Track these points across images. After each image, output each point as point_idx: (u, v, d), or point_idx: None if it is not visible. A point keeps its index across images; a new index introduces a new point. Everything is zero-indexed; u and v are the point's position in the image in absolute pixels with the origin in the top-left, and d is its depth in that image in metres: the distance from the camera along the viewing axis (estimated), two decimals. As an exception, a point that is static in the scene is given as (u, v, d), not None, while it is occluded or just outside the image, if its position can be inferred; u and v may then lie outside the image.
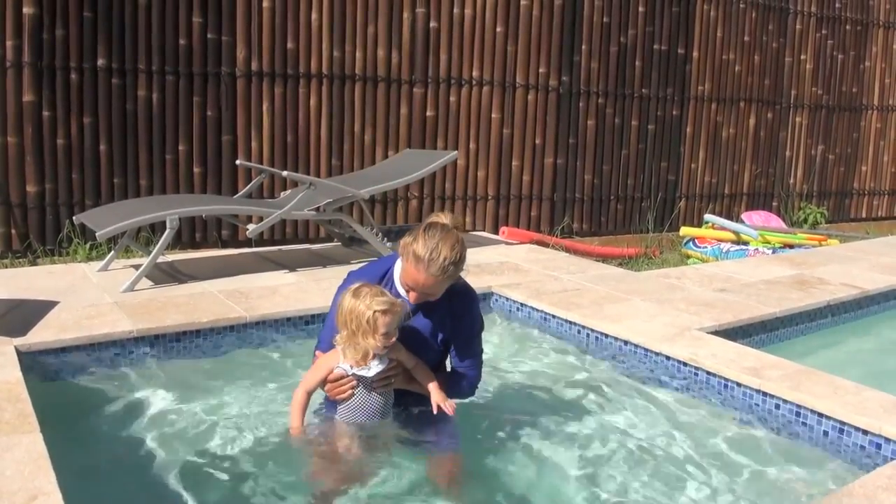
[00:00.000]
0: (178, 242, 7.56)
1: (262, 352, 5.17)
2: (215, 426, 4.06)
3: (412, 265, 3.49)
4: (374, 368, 3.52)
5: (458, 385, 3.83)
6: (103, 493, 3.46)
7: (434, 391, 3.63)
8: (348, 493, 3.41)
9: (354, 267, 3.95)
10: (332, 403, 3.72)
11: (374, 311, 3.40)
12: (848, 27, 11.74)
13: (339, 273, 6.32)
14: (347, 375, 3.54)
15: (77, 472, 3.33)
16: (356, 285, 3.53)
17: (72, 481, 3.01)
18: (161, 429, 4.03)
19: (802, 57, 11.40)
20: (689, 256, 9.30)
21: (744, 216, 10.68)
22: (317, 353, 3.79)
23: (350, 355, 3.52)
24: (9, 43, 6.96)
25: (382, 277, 3.78)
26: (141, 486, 3.54)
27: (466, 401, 4.25)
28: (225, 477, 3.58)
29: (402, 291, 3.72)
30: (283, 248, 7.84)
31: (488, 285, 6.26)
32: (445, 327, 3.75)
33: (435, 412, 3.60)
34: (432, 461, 3.70)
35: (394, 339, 3.49)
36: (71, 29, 7.16)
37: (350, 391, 3.57)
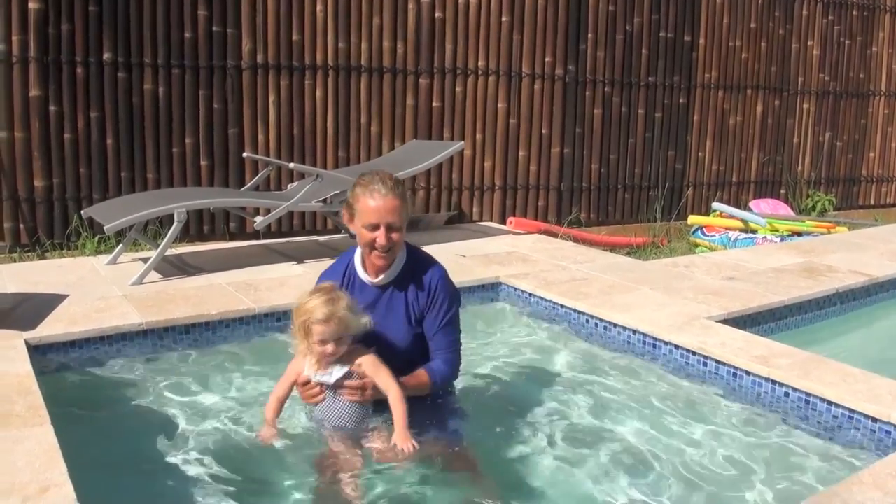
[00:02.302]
0: (185, 235, 7.56)
1: (270, 343, 5.17)
2: (225, 418, 4.07)
3: (366, 200, 3.56)
4: (335, 374, 3.50)
5: (438, 371, 3.75)
6: (114, 484, 3.47)
7: (398, 424, 3.46)
8: (362, 490, 3.41)
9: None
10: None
11: (309, 318, 3.42)
12: (855, 12, 11.69)
13: (346, 264, 6.36)
14: (312, 381, 3.54)
15: (88, 464, 3.34)
16: (321, 284, 3.57)
17: (83, 473, 3.03)
18: (170, 420, 4.05)
19: (809, 43, 11.35)
20: (697, 245, 9.29)
21: (752, 204, 10.66)
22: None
23: (301, 352, 3.54)
24: (14, 38, 6.97)
25: (346, 270, 3.81)
26: (151, 477, 3.55)
27: (473, 393, 4.28)
28: (234, 468, 3.59)
29: (364, 276, 3.74)
30: (291, 239, 7.85)
31: (496, 275, 6.25)
32: (418, 305, 3.73)
33: (391, 446, 3.44)
34: (443, 456, 3.66)
35: (333, 350, 3.45)
36: (77, 23, 7.16)
37: (321, 395, 3.56)
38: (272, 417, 3.66)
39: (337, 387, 3.52)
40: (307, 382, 3.56)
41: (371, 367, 3.53)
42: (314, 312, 3.40)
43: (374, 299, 3.73)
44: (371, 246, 3.60)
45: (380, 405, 3.62)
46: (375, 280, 3.72)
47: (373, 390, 3.54)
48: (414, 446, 3.42)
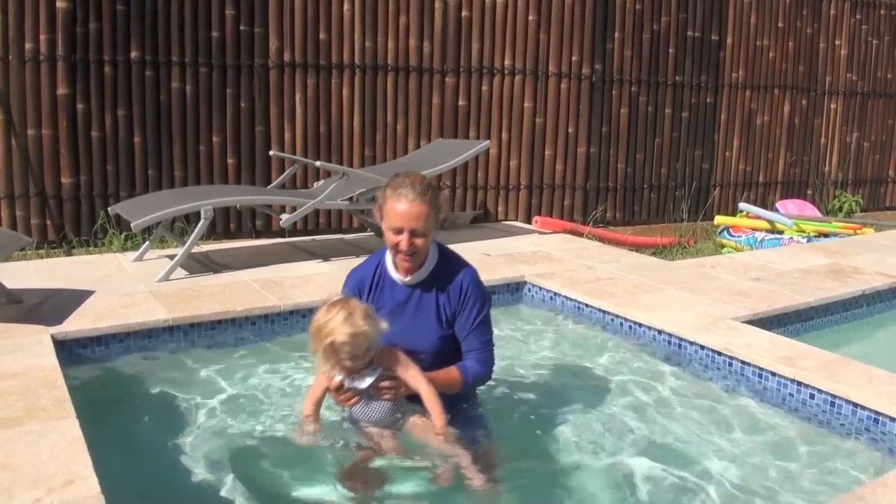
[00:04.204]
0: (212, 233, 7.60)
1: (295, 340, 5.19)
2: (249, 413, 4.09)
3: (393, 203, 3.53)
4: (366, 380, 3.44)
5: (471, 370, 3.72)
6: (138, 477, 3.49)
7: (436, 419, 3.48)
8: (383, 487, 3.42)
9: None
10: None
11: (335, 340, 3.31)
12: (882, 12, 11.59)
13: (371, 262, 6.37)
14: (344, 386, 3.49)
15: (112, 457, 3.36)
16: (335, 299, 3.44)
17: (107, 466, 3.05)
18: (195, 415, 4.07)
19: (837, 42, 11.28)
20: (723, 245, 9.25)
21: (778, 205, 10.61)
22: None
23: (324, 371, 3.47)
24: (42, 37, 7.03)
25: (377, 268, 3.78)
26: (175, 471, 3.57)
27: (499, 392, 4.27)
28: (257, 463, 3.61)
29: (395, 276, 3.72)
30: (317, 237, 7.87)
31: (521, 274, 6.24)
32: (449, 306, 3.70)
33: (436, 434, 3.48)
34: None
35: (360, 363, 3.40)
36: (104, 22, 7.21)
37: (355, 399, 3.51)
38: (312, 414, 3.61)
39: (370, 388, 3.48)
40: (340, 388, 3.50)
41: (400, 366, 3.51)
42: (337, 334, 3.31)
43: (405, 298, 3.72)
44: (396, 248, 3.60)
45: (412, 397, 3.59)
46: (406, 279, 3.70)
47: (406, 387, 3.53)
48: (452, 434, 3.46)
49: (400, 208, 3.52)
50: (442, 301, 3.71)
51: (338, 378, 3.48)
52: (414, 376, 3.51)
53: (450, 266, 3.78)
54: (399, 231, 3.54)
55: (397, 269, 3.71)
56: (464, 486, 3.38)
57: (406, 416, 3.58)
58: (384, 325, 3.48)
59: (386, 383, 3.49)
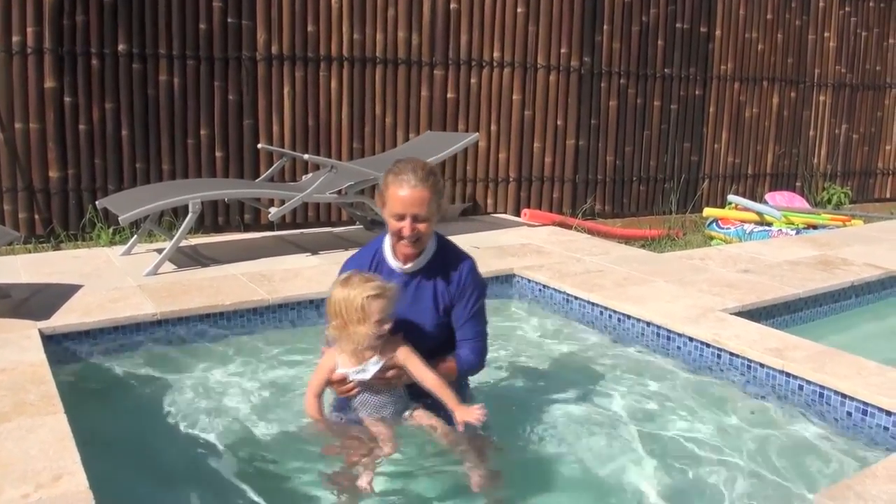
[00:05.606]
0: (200, 226, 7.58)
1: (284, 334, 5.19)
2: (237, 408, 4.09)
3: (395, 189, 3.53)
4: (370, 370, 3.45)
5: (465, 360, 3.74)
6: (126, 472, 3.48)
7: (451, 404, 3.47)
8: (373, 478, 3.41)
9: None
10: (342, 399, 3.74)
11: (366, 297, 3.34)
12: (871, 4, 11.60)
13: (360, 256, 6.36)
14: (347, 377, 3.50)
15: (100, 452, 3.35)
16: (345, 275, 3.49)
17: (95, 461, 3.04)
18: (183, 410, 4.06)
19: (826, 34, 11.28)
20: (712, 237, 9.27)
21: (767, 197, 10.62)
22: (323, 349, 3.74)
23: (345, 348, 3.46)
24: (29, 29, 6.99)
25: (373, 257, 3.78)
26: (163, 466, 3.57)
27: (486, 386, 4.26)
28: (245, 458, 3.61)
29: (393, 264, 3.72)
30: (305, 231, 7.86)
31: (510, 267, 6.24)
32: (446, 294, 3.71)
33: (460, 429, 3.44)
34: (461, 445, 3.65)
35: (387, 326, 3.42)
36: (91, 14, 7.18)
37: (356, 389, 3.52)
38: (317, 414, 3.60)
39: (373, 379, 3.48)
40: (343, 380, 3.51)
41: (405, 356, 3.51)
42: (370, 291, 3.36)
43: (403, 286, 3.70)
44: (398, 235, 3.59)
45: (414, 387, 3.58)
46: (405, 267, 3.70)
47: (407, 376, 3.54)
48: (484, 414, 3.40)
49: (402, 194, 3.52)
50: (440, 289, 3.72)
51: (341, 370, 3.48)
52: (418, 367, 3.51)
53: (448, 255, 3.79)
54: (401, 217, 3.54)
55: (396, 256, 3.71)
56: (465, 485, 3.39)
57: (412, 414, 3.59)
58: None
59: (391, 373, 3.50)
